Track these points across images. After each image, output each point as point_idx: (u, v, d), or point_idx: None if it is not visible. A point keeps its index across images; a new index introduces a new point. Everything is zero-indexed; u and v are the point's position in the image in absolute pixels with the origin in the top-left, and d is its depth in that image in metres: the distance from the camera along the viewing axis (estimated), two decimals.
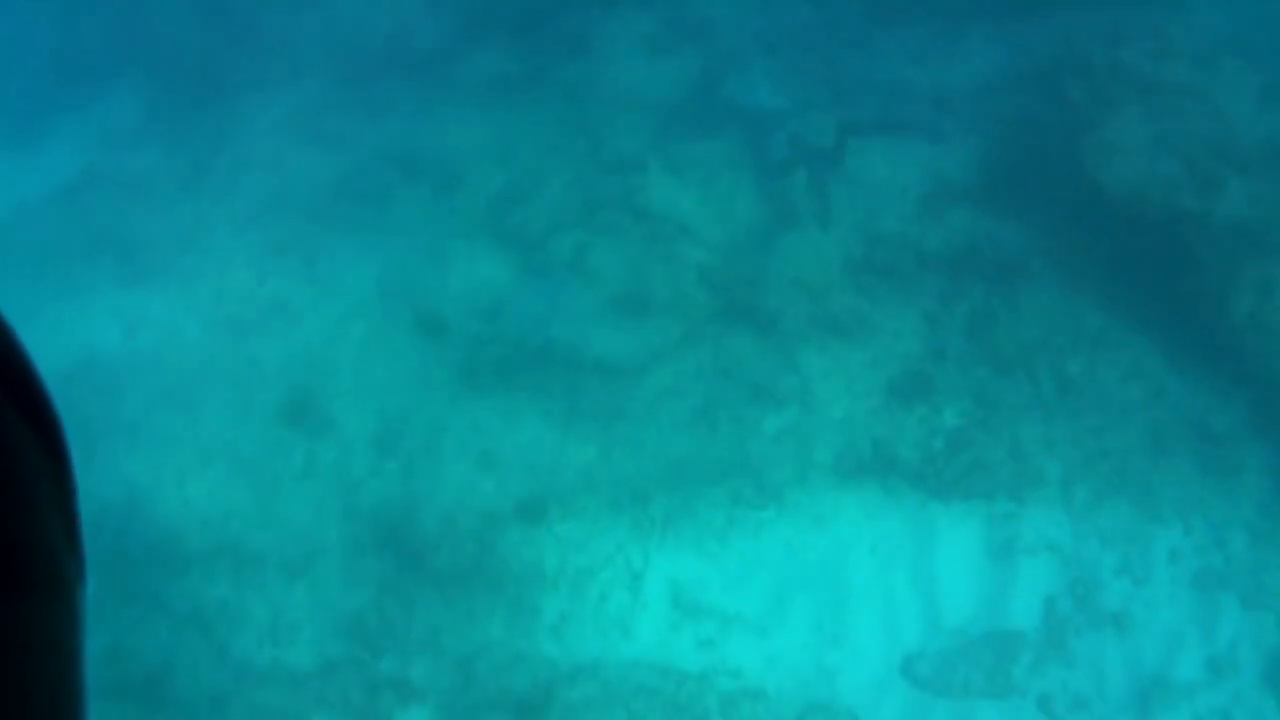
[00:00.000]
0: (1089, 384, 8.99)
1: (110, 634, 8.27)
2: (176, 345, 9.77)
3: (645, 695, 7.96)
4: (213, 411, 9.37)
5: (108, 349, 9.88)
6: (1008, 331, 9.12)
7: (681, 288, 9.10)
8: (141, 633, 8.40)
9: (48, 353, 9.95)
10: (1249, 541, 8.32)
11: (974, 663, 7.98)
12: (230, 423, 9.29)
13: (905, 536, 8.46)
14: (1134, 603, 8.15)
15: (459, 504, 8.71)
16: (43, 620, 0.68)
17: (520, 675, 8.07)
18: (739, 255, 9.25)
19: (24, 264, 10.56)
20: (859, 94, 10.04)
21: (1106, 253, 9.23)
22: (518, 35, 10.56)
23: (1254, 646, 7.97)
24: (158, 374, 9.66)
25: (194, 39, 11.40)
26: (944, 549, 8.41)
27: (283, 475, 9.07)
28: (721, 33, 10.43)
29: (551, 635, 8.20)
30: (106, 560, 8.58)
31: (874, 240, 9.32)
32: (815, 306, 9.05)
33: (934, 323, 9.11)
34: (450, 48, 10.67)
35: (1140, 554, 8.29)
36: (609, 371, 8.93)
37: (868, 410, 8.86)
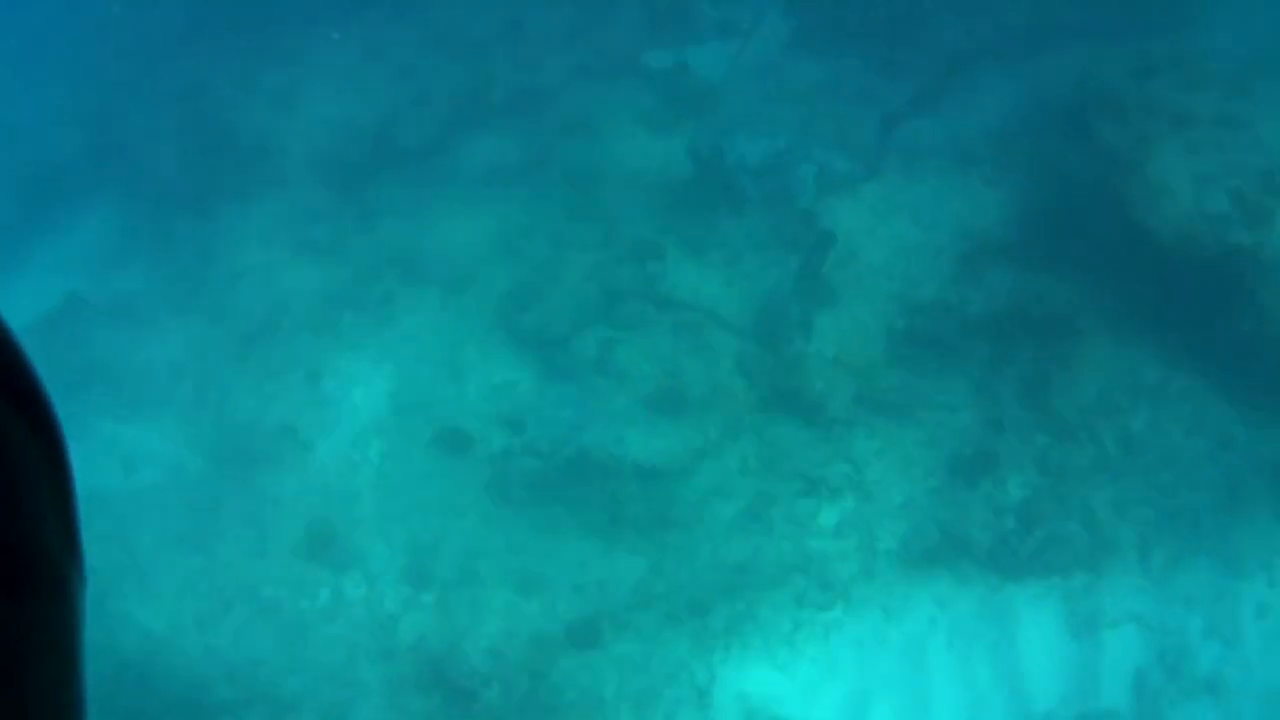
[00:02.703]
0: (1154, 440, 8.60)
1: None
2: (182, 481, 9.23)
3: None
4: (228, 551, 8.84)
5: (108, 489, 9.33)
6: (1064, 394, 8.67)
7: (717, 379, 8.57)
8: None
9: None
10: None
11: None
12: (249, 562, 8.77)
13: (983, 623, 8.08)
14: (1227, 665, 7.79)
15: (505, 633, 8.18)
16: (42, 621, 0.66)
17: None
18: (774, 338, 8.72)
19: None
20: (874, 153, 9.54)
21: (1159, 300, 8.77)
22: (511, 121, 10.00)
23: None
24: (165, 513, 9.13)
25: (169, 150, 10.82)
26: (1025, 632, 8.03)
27: (310, 616, 8.55)
28: (723, 100, 9.91)
29: None
30: (129, 719, 8.06)
31: (914, 310, 8.82)
32: (861, 386, 8.55)
33: (987, 392, 8.64)
34: (441, 140, 10.10)
35: (1227, 613, 7.94)
36: (650, 476, 8.40)
37: (929, 492, 8.39)
